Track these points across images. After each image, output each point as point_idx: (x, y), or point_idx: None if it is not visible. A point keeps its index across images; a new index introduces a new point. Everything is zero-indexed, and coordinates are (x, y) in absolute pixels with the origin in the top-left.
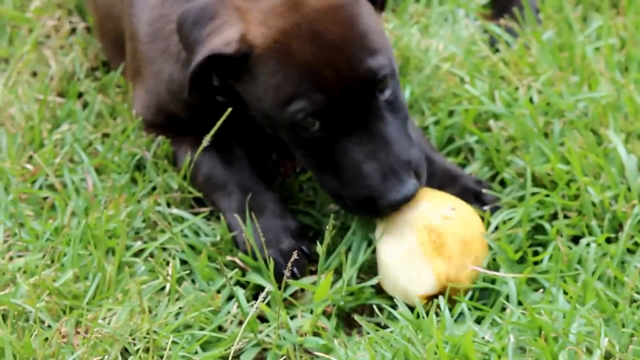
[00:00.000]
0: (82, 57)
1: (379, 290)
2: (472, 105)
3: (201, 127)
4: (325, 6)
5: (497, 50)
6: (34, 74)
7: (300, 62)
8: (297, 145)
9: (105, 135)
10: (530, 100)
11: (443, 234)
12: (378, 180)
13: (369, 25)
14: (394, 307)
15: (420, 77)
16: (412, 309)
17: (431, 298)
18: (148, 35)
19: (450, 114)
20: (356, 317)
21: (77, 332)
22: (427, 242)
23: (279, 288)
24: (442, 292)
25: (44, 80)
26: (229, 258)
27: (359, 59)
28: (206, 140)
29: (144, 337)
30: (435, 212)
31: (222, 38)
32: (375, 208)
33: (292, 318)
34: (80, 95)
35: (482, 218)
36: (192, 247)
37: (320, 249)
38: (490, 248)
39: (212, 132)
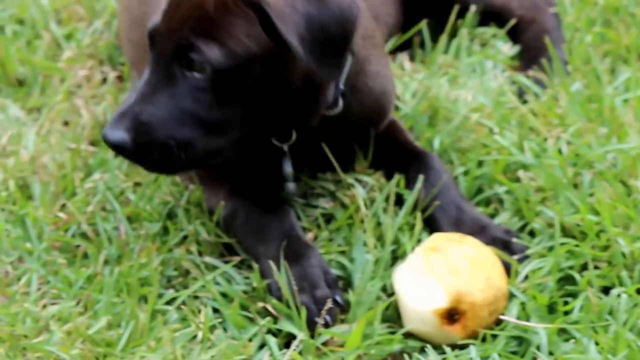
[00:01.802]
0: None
1: (410, 335)
2: (502, 155)
3: (240, 173)
4: None
5: (525, 102)
6: (66, 123)
7: None
8: None
9: (137, 184)
10: (559, 151)
11: (449, 252)
12: (115, 113)
13: (241, 35)
14: (425, 354)
15: (449, 127)
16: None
17: (448, 316)
18: None
19: (480, 164)
20: None
21: None
22: (434, 261)
23: (312, 337)
24: (455, 307)
25: (76, 129)
26: (260, 305)
27: (197, 31)
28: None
29: None
30: (442, 237)
31: None
32: None
33: None
34: None
35: (510, 266)
36: (223, 295)
37: (353, 297)
38: (513, 295)
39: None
